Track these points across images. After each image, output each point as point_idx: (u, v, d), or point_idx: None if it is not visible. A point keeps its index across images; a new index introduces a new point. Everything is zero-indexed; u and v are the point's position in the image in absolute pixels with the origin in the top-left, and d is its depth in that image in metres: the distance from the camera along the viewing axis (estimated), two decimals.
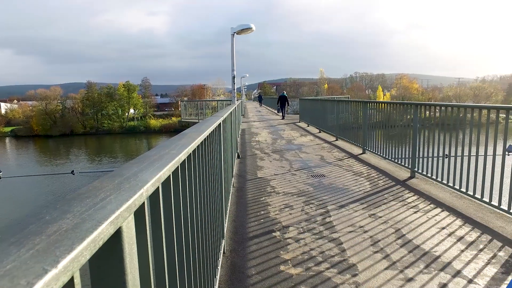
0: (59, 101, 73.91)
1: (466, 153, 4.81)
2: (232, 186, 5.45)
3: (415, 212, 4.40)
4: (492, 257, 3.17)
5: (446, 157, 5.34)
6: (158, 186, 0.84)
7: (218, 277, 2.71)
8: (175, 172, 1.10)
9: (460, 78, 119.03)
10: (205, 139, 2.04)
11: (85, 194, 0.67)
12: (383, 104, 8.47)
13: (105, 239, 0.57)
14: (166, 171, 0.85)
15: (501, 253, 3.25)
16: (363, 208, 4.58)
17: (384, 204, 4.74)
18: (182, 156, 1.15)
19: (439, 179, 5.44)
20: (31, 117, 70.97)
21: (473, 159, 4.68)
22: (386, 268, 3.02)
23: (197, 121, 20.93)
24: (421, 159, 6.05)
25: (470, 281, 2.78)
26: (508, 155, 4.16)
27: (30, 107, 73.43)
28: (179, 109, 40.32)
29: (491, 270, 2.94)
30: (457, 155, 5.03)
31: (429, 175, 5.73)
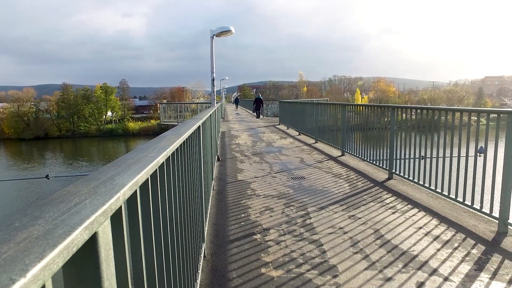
0: (32, 103, 71.59)
1: (441, 154, 4.94)
2: (212, 189, 5.42)
3: (393, 213, 4.49)
4: (466, 255, 3.26)
5: (422, 159, 5.47)
6: (136, 190, 0.82)
7: (198, 281, 2.66)
8: (153, 175, 1.08)
9: (434, 81, 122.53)
10: (184, 142, 2.01)
11: (58, 199, 0.65)
12: (361, 106, 8.60)
13: (79, 245, 0.55)
14: (144, 175, 0.83)
15: (474, 251, 3.35)
16: (342, 210, 4.63)
17: (363, 205, 4.81)
18: (161, 159, 1.13)
19: (415, 180, 5.56)
20: (2, 120, 68.42)
21: (447, 160, 4.82)
22: (365, 269, 3.06)
23: (176, 123, 20.72)
24: (398, 161, 6.17)
25: (446, 279, 2.85)
26: (479, 156, 4.30)
27: (1, 109, 70.80)
28: (158, 111, 39.82)
29: (465, 268, 3.02)
30: (433, 156, 5.16)
31: (406, 176, 5.85)
